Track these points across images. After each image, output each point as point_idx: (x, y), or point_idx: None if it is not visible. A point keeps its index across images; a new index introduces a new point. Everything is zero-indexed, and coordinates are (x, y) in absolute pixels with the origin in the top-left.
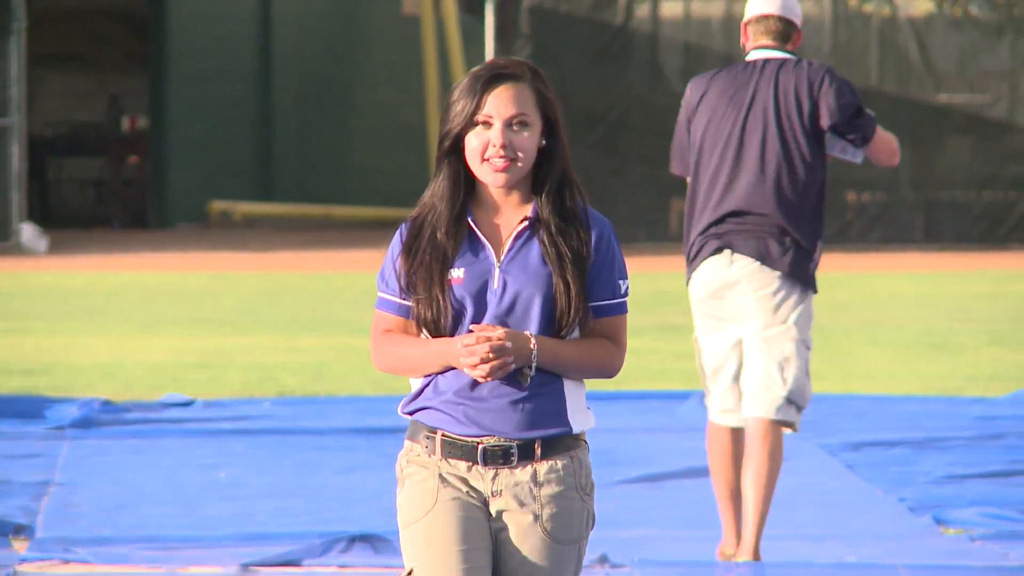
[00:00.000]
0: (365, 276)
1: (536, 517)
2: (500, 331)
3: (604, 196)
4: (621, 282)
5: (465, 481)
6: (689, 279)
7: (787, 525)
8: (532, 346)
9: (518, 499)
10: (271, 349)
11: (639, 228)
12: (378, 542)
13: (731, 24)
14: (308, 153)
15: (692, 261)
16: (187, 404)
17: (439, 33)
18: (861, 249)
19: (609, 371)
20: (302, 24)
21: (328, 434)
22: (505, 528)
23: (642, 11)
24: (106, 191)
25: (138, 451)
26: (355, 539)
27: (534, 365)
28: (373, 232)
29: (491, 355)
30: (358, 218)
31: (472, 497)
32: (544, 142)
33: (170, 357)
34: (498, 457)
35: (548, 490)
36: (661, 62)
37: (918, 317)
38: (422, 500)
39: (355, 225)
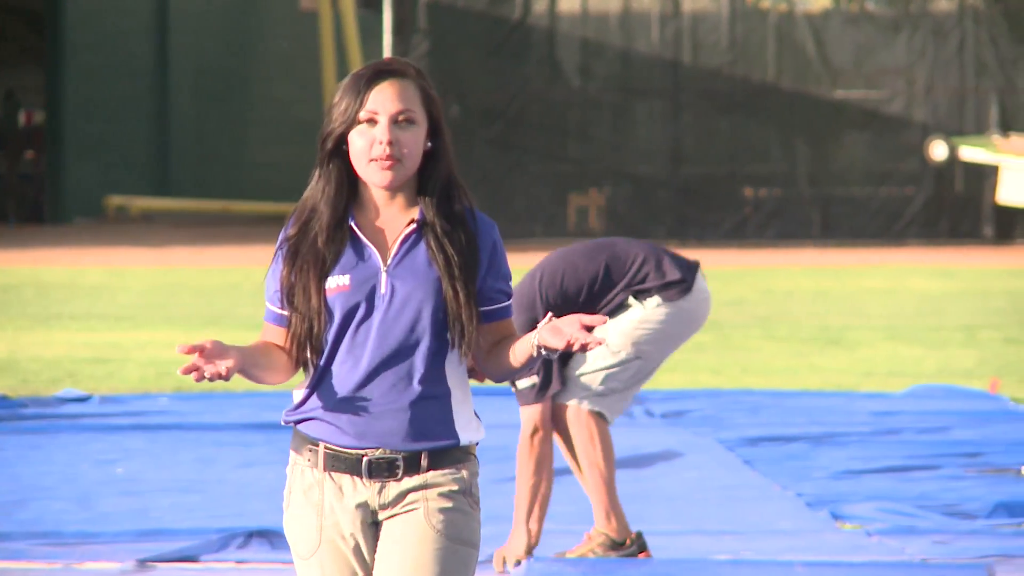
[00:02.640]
0: (262, 271)
1: (426, 516)
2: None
3: (502, 192)
4: (510, 284)
5: (350, 502)
6: (685, 297)
7: (684, 520)
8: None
9: (406, 506)
10: (168, 344)
11: (537, 224)
12: (275, 537)
13: (628, 20)
14: (205, 148)
15: (692, 283)
16: (84, 399)
17: (337, 28)
18: (758, 244)
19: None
20: (199, 19)
21: (225, 429)
22: (392, 531)
23: (540, 6)
24: (2, 186)
25: (34, 446)
26: (252, 535)
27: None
28: (270, 227)
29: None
30: (255, 213)
31: (358, 521)
32: (429, 144)
33: (66, 352)
34: (383, 470)
35: (436, 491)
36: (559, 57)
37: (815, 312)
38: (307, 537)
39: (252, 220)
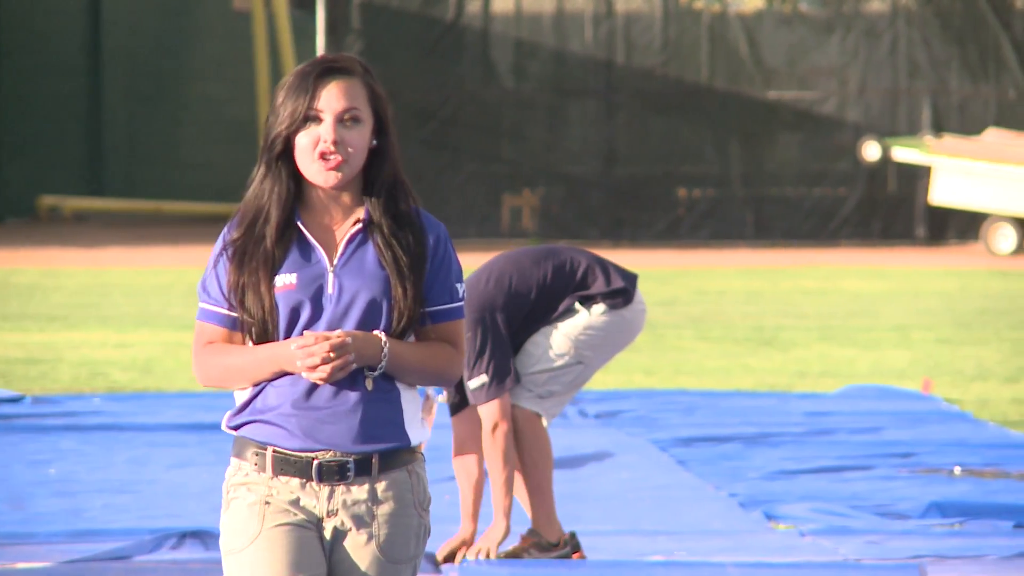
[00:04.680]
0: (195, 271)
1: (372, 537)
2: (339, 331)
3: (436, 192)
4: (458, 286)
5: (296, 503)
6: (627, 307)
7: (617, 521)
8: (384, 345)
9: (355, 518)
10: (101, 345)
11: (471, 224)
12: (208, 538)
13: (562, 20)
14: (138, 148)
15: (633, 294)
16: (16, 400)
17: (270, 28)
18: (691, 245)
19: (449, 377)
20: (132, 19)
21: (158, 430)
22: (340, 548)
23: (473, 7)
24: None
25: None
26: (185, 535)
27: (383, 365)
28: (203, 227)
29: (332, 354)
30: (188, 213)
31: (303, 520)
32: (375, 142)
33: None
34: (334, 473)
35: (386, 508)
36: (493, 57)
37: (748, 313)
38: (247, 526)
39: (185, 220)
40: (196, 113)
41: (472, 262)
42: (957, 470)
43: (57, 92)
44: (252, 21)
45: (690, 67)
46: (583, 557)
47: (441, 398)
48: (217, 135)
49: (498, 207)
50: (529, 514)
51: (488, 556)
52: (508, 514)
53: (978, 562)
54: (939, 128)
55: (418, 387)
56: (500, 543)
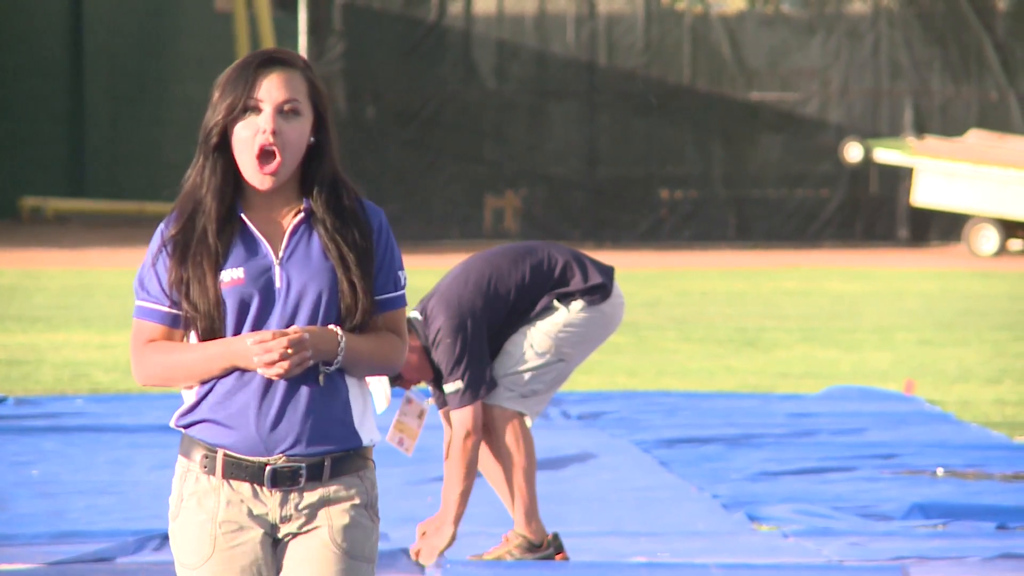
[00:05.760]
0: None
1: (330, 537)
2: (295, 327)
3: (417, 193)
4: (400, 274)
5: (249, 512)
6: (605, 301)
7: (600, 522)
8: (340, 339)
9: (308, 519)
10: (83, 346)
11: (453, 225)
12: None
13: (544, 21)
14: (120, 149)
15: (611, 288)
16: None
17: (252, 29)
18: (674, 246)
19: (396, 366)
20: (114, 19)
21: (141, 431)
22: (296, 551)
23: (455, 8)
24: None
25: None
26: (168, 536)
27: (339, 360)
28: None
29: (289, 350)
30: None
31: (259, 533)
32: (313, 139)
33: None
34: (286, 479)
35: (339, 507)
36: (475, 58)
37: (730, 314)
38: (198, 546)
39: None
40: (178, 114)
41: (453, 263)
42: (939, 471)
43: (39, 92)
44: (234, 22)
45: (672, 68)
46: (566, 558)
47: (430, 401)
48: (199, 136)
49: (480, 208)
50: (512, 515)
51: (427, 561)
52: (457, 522)
53: (960, 563)
54: (921, 129)
55: (372, 381)
56: (443, 550)
